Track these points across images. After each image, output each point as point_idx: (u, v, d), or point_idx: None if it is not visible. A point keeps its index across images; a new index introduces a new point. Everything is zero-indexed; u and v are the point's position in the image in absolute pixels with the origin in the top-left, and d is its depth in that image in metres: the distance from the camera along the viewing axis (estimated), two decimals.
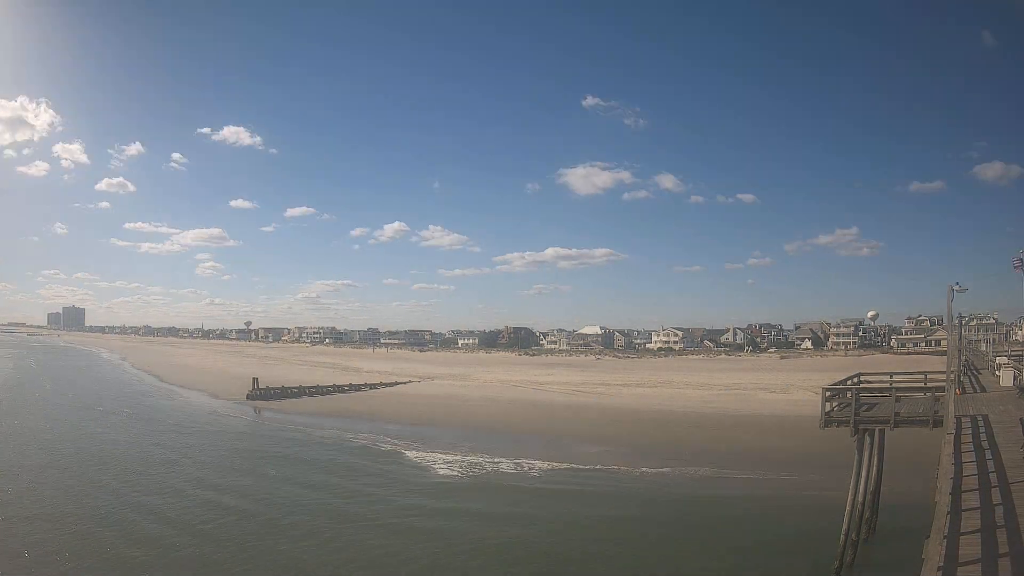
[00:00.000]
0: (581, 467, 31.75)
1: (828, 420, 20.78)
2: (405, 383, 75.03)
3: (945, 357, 42.56)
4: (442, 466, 32.72)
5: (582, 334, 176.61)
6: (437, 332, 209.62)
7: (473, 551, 20.51)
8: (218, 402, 60.44)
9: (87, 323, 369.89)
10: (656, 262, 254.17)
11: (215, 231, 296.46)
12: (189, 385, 74.52)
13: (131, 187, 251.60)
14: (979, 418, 18.16)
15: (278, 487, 29.05)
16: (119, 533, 21.94)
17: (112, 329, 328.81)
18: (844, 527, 18.66)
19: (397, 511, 25.05)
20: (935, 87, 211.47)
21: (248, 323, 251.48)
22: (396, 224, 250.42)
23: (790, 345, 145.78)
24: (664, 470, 30.77)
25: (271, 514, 24.53)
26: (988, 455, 13.26)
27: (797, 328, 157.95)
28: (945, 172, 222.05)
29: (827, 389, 21.96)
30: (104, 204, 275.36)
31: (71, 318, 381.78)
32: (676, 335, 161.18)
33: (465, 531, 22.52)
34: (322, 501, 26.53)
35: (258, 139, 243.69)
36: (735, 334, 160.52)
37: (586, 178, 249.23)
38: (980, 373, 34.57)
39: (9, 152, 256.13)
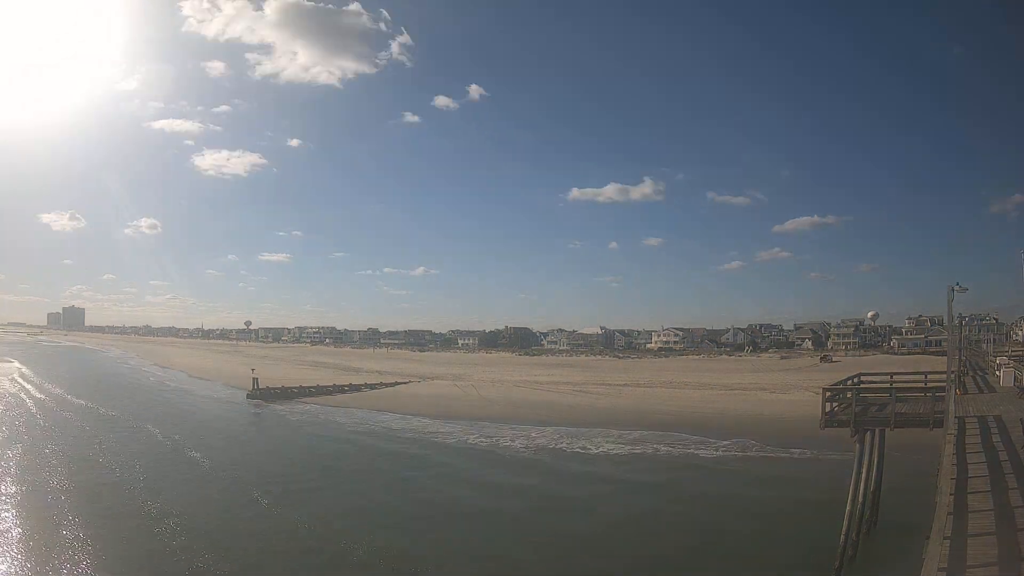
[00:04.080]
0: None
1: (829, 421, 20.85)
2: (406, 383, 75.08)
3: (945, 358, 42.58)
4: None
5: (582, 334, 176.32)
6: (437, 332, 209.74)
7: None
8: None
9: (87, 323, 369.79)
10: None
11: None
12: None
13: None
14: (980, 419, 18.19)
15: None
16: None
17: (112, 329, 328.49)
18: (844, 526, 18.70)
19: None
20: None
21: (248, 323, 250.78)
22: None
23: (790, 345, 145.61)
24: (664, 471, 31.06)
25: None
26: (989, 456, 13.30)
27: (797, 328, 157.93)
28: None
29: (827, 389, 22.02)
30: None
31: (71, 318, 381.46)
32: (676, 335, 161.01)
33: None
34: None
35: None
36: (735, 334, 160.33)
37: None
38: (986, 373, 34.70)
39: None
